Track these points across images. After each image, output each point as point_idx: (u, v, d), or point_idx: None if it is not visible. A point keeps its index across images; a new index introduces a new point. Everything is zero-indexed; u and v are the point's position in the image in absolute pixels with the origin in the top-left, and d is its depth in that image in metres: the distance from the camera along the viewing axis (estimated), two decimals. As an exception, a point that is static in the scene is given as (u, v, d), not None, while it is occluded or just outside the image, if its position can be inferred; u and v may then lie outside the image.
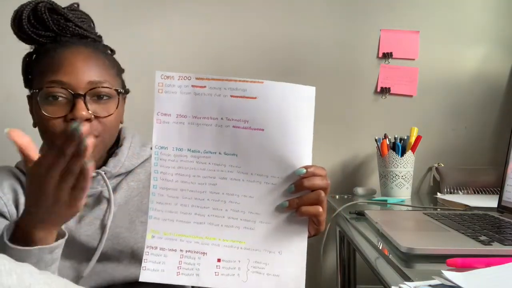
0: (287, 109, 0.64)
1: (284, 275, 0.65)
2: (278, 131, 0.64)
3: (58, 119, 0.77)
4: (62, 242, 0.67)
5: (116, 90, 0.83)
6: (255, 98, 0.63)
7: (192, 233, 0.66)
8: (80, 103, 0.76)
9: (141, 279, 0.65)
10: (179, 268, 0.65)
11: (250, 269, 0.65)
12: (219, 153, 0.65)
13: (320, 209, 0.65)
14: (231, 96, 0.64)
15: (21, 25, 0.81)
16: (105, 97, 0.80)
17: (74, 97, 0.77)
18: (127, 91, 0.88)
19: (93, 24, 0.90)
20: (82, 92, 0.77)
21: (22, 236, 0.63)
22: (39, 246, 0.62)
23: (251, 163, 0.65)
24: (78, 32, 0.84)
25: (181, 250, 0.66)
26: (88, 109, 0.77)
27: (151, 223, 0.66)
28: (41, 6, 0.81)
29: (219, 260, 0.66)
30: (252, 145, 0.65)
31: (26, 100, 0.86)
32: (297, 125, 0.65)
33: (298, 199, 0.66)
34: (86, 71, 0.78)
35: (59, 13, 0.82)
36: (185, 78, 0.64)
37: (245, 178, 0.66)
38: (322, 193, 0.65)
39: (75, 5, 0.88)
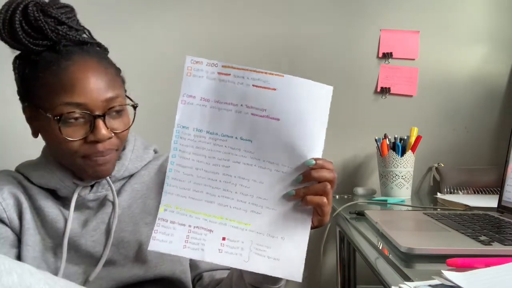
0: (304, 103, 0.67)
1: (284, 259, 0.68)
2: (293, 123, 0.67)
3: (78, 141, 0.75)
4: None
5: (133, 106, 0.81)
6: (275, 89, 0.67)
7: (201, 210, 0.69)
8: (101, 124, 0.75)
9: (149, 248, 0.67)
10: (186, 242, 0.68)
11: (253, 250, 0.68)
12: (236, 137, 0.68)
13: (325, 199, 0.67)
14: (253, 85, 0.67)
15: (15, 34, 0.75)
16: (120, 111, 0.79)
17: (94, 118, 0.75)
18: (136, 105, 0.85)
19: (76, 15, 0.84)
20: (100, 112, 0.75)
21: None
22: None
23: (264, 150, 0.68)
24: (79, 40, 0.80)
25: (189, 225, 0.69)
26: (107, 127, 0.76)
27: (164, 198, 0.69)
28: (32, 10, 0.74)
29: (224, 238, 0.68)
30: (267, 133, 0.67)
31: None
32: (312, 119, 0.67)
33: (305, 189, 0.67)
34: (100, 88, 0.76)
35: (51, 16, 0.77)
36: (213, 65, 0.68)
37: (257, 164, 0.68)
38: (328, 185, 0.67)
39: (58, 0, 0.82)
